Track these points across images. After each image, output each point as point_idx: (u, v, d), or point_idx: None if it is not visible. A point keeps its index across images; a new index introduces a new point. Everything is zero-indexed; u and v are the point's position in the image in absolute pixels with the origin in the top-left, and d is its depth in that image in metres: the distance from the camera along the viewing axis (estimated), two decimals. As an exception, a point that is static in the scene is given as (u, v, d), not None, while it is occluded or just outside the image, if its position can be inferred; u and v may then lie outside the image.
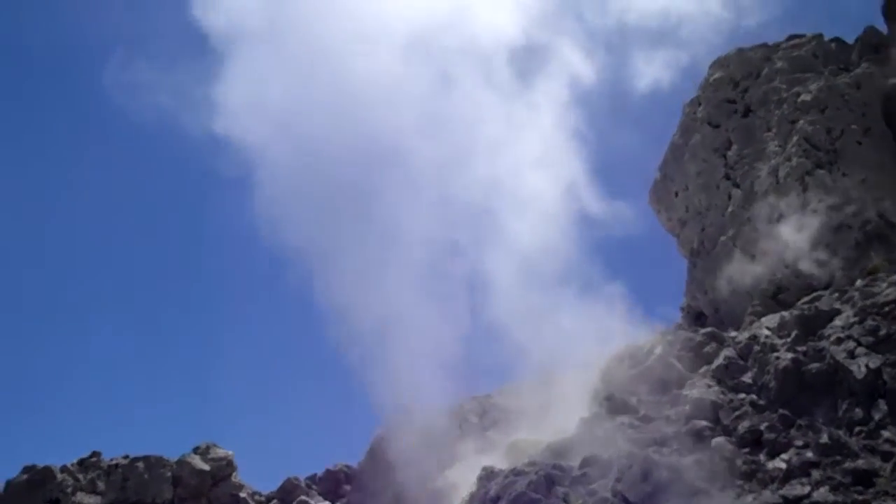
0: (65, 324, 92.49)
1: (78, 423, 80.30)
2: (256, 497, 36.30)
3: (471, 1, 48.54)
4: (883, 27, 38.42)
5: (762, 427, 23.38)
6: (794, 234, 31.94)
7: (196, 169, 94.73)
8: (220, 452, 36.43)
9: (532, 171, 42.37)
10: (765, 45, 39.25)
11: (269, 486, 37.28)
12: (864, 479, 20.60)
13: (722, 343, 28.58)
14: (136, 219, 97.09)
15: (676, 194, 39.18)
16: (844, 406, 22.97)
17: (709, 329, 30.60)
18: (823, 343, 25.02)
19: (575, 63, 45.93)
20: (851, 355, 23.91)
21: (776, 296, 31.71)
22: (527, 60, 46.15)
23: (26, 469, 34.25)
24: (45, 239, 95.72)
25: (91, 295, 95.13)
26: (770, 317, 28.63)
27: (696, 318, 36.35)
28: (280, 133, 44.54)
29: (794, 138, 34.24)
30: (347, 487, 38.01)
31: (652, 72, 49.25)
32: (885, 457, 21.07)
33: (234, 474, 36.09)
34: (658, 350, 29.18)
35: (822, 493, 20.52)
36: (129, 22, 78.02)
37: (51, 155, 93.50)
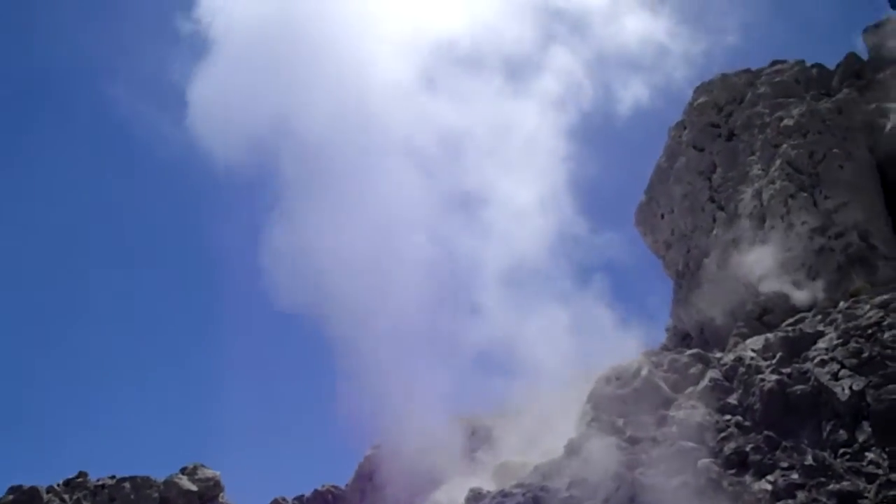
0: (53, 341, 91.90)
1: (64, 442, 79.71)
2: (244, 517, 36.29)
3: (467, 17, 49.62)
4: (864, 53, 39.23)
5: (748, 448, 23.64)
6: (777, 257, 32.36)
7: (194, 186, 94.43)
8: (207, 473, 36.44)
9: (519, 187, 43.12)
10: (748, 71, 39.92)
11: (256, 507, 37.29)
12: (849, 500, 20.88)
13: (707, 364, 28.83)
14: (129, 237, 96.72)
15: (662, 216, 39.64)
16: (829, 428, 23.27)
17: (694, 350, 30.86)
18: (808, 365, 25.33)
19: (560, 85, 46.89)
20: (835, 377, 24.24)
21: (761, 317, 32.06)
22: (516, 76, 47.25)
23: (12, 489, 34.10)
24: (38, 254, 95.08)
25: (79, 313, 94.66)
26: (755, 338, 28.96)
27: (682, 338, 36.68)
28: (279, 137, 45.21)
29: (777, 162, 34.75)
30: (335, 508, 37.99)
31: (630, 96, 50.09)
32: (870, 478, 21.36)
33: (221, 495, 36.07)
34: (644, 371, 29.37)
35: (808, 514, 20.80)
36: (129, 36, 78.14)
37: (46, 166, 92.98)
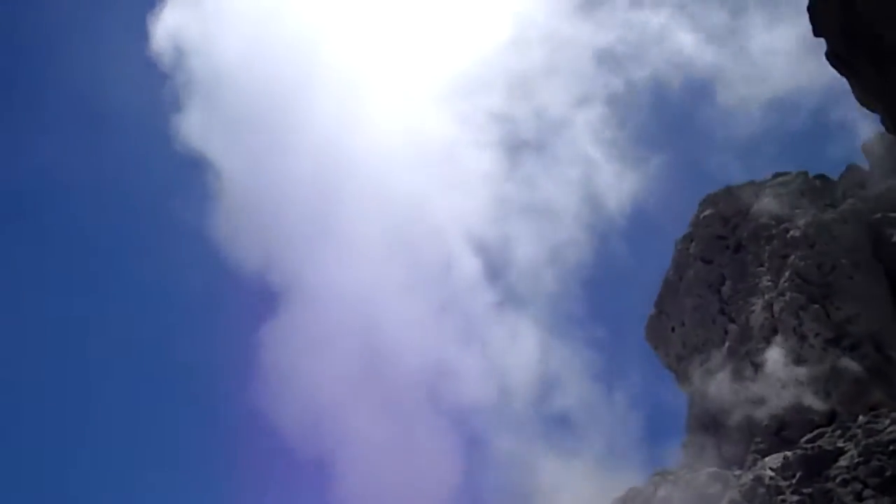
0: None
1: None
2: None
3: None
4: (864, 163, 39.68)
5: (773, 575, 22.70)
6: (792, 370, 31.83)
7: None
8: None
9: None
10: (752, 183, 40.24)
11: None
12: None
13: (726, 484, 28.06)
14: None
15: (673, 329, 39.28)
16: (855, 552, 22.38)
17: (712, 469, 30.09)
18: (829, 485, 24.60)
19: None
20: (859, 497, 23.48)
21: (779, 432, 31.30)
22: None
23: None
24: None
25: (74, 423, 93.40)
26: (773, 456, 28.19)
27: (698, 455, 35.69)
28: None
29: (787, 273, 34.61)
30: None
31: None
32: None
33: None
34: (661, 492, 28.61)
35: None
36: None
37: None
